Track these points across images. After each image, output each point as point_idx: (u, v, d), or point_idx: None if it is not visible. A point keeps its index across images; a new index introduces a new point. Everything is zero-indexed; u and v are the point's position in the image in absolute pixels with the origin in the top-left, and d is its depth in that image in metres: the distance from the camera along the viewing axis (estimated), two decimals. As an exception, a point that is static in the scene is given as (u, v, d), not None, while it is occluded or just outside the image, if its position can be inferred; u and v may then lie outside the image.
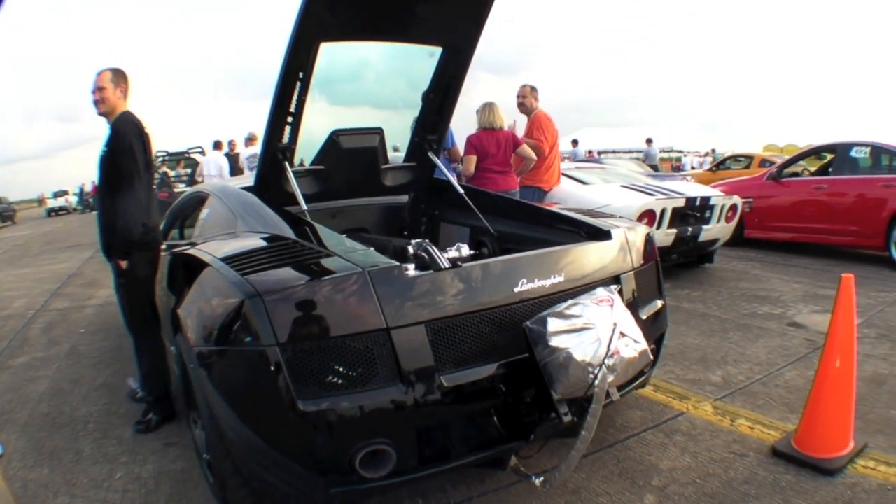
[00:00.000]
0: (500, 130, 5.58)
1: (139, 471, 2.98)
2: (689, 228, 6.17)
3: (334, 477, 2.08)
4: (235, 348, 2.13)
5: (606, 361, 2.01)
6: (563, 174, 6.76)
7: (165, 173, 16.04)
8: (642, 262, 2.89)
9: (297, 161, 3.45)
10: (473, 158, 5.46)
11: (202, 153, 14.74)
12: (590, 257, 2.67)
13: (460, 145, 6.04)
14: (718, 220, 6.41)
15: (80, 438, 3.39)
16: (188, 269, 2.73)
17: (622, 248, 2.80)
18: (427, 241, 2.74)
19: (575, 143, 19.81)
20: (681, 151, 31.52)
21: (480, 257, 2.90)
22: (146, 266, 3.40)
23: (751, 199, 7.99)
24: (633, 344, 2.13)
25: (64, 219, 32.67)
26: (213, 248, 2.69)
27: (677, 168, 24.95)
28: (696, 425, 3.11)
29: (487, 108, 5.62)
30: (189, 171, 14.98)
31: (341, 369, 2.02)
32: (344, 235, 3.46)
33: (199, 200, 3.90)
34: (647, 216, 5.86)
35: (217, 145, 12.00)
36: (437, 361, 2.11)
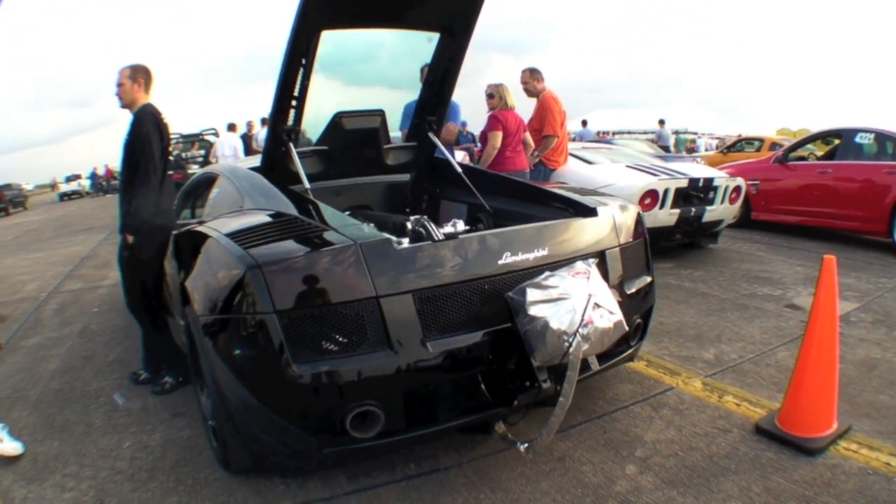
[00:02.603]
0: (513, 111, 5.78)
1: (147, 440, 3.10)
2: (693, 209, 6.22)
3: (327, 437, 2.22)
4: (237, 316, 2.26)
5: (580, 330, 2.11)
6: (570, 154, 6.85)
7: (179, 155, 16.21)
8: (630, 239, 2.98)
9: (306, 139, 3.60)
10: (500, 135, 5.60)
11: (216, 135, 14.86)
12: (574, 233, 2.76)
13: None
14: (722, 202, 6.44)
15: (91, 412, 3.50)
16: (195, 245, 2.86)
17: (608, 225, 2.88)
18: (425, 217, 2.85)
19: (584, 123, 19.73)
20: (695, 133, 31.41)
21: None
22: (152, 247, 3.54)
23: (757, 182, 8.00)
24: (608, 315, 2.23)
25: (77, 203, 32.52)
26: (219, 225, 2.83)
27: (691, 150, 24.81)
28: (683, 400, 3.19)
29: (504, 88, 5.79)
30: (203, 152, 15.09)
31: (334, 335, 2.16)
32: (346, 213, 3.58)
33: (210, 181, 4.03)
34: (651, 196, 5.92)
35: (231, 127, 12.11)
36: (423, 329, 2.23)
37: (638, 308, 3.00)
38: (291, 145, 3.36)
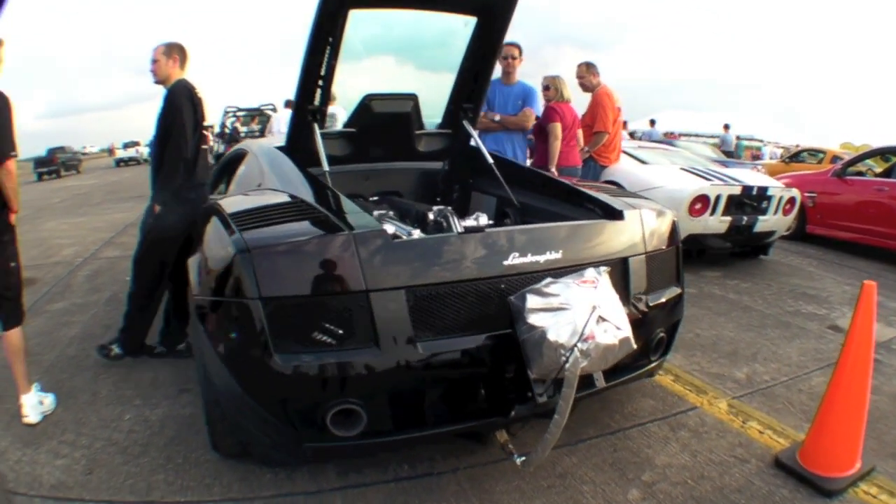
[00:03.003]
0: (568, 104, 5.68)
1: (148, 414, 3.08)
2: (745, 217, 5.97)
3: (307, 432, 2.12)
4: (224, 300, 2.18)
5: (579, 345, 1.93)
6: (624, 152, 6.68)
7: (235, 128, 16.43)
8: (660, 247, 2.77)
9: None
10: (559, 126, 5.48)
11: (274, 110, 14.97)
12: (594, 236, 2.58)
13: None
14: (775, 212, 6.16)
15: (100, 381, 3.49)
16: (205, 222, 2.78)
17: (635, 230, 2.68)
18: (449, 208, 2.70)
19: (652, 123, 19.39)
20: (761, 141, 30.54)
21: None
22: (177, 221, 3.47)
23: (814, 194, 7.67)
24: (614, 330, 2.03)
25: (132, 169, 32.18)
26: (229, 203, 2.75)
27: (756, 157, 24.19)
28: (705, 422, 2.99)
29: (561, 81, 5.69)
30: (260, 127, 15.24)
31: (318, 327, 2.05)
32: (373, 198, 3.44)
33: (241, 156, 3.98)
34: (701, 201, 5.72)
35: (288, 104, 12.12)
36: (415, 328, 2.10)
37: (662, 321, 2.80)
38: (315, 126, 3.26)
